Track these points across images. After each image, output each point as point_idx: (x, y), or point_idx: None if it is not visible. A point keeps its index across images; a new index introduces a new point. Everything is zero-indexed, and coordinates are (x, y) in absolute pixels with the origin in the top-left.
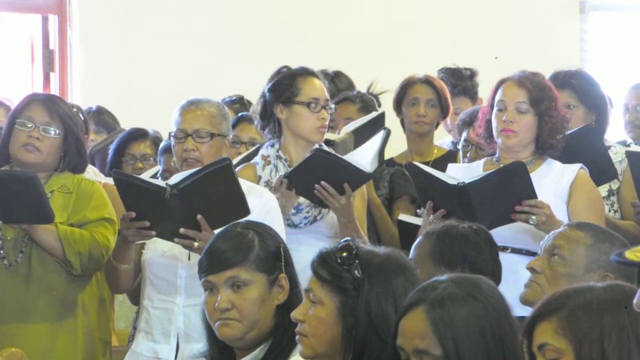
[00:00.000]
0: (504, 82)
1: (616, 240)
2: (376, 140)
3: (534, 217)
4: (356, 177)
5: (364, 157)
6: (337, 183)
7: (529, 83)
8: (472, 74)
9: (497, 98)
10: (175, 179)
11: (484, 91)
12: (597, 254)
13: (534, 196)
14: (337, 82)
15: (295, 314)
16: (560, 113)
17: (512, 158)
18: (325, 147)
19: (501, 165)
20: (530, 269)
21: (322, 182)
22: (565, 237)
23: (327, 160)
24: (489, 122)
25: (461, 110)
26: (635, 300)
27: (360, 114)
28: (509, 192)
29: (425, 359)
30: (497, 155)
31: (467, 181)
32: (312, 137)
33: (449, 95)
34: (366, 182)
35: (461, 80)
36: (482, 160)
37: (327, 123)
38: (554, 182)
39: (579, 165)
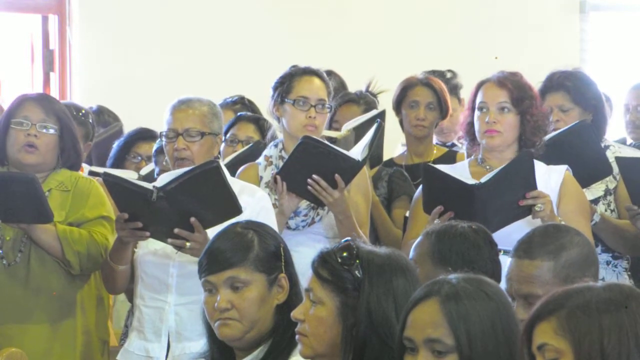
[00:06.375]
0: (483, 84)
1: (567, 239)
2: (369, 132)
3: (539, 205)
4: (347, 166)
5: (356, 148)
6: (329, 176)
7: (509, 83)
8: (454, 74)
9: (477, 100)
10: (162, 180)
11: None
12: (565, 271)
13: (535, 187)
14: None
15: (296, 314)
16: (542, 111)
17: (496, 158)
18: (314, 136)
19: (487, 166)
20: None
21: (314, 176)
22: (525, 279)
23: (316, 149)
24: (470, 125)
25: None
26: None
27: None
28: (513, 185)
29: (436, 347)
30: (480, 156)
31: (483, 180)
32: (299, 135)
33: (448, 97)
34: (357, 172)
35: (445, 82)
36: (467, 161)
37: (317, 122)
38: (541, 184)
39: (564, 167)
